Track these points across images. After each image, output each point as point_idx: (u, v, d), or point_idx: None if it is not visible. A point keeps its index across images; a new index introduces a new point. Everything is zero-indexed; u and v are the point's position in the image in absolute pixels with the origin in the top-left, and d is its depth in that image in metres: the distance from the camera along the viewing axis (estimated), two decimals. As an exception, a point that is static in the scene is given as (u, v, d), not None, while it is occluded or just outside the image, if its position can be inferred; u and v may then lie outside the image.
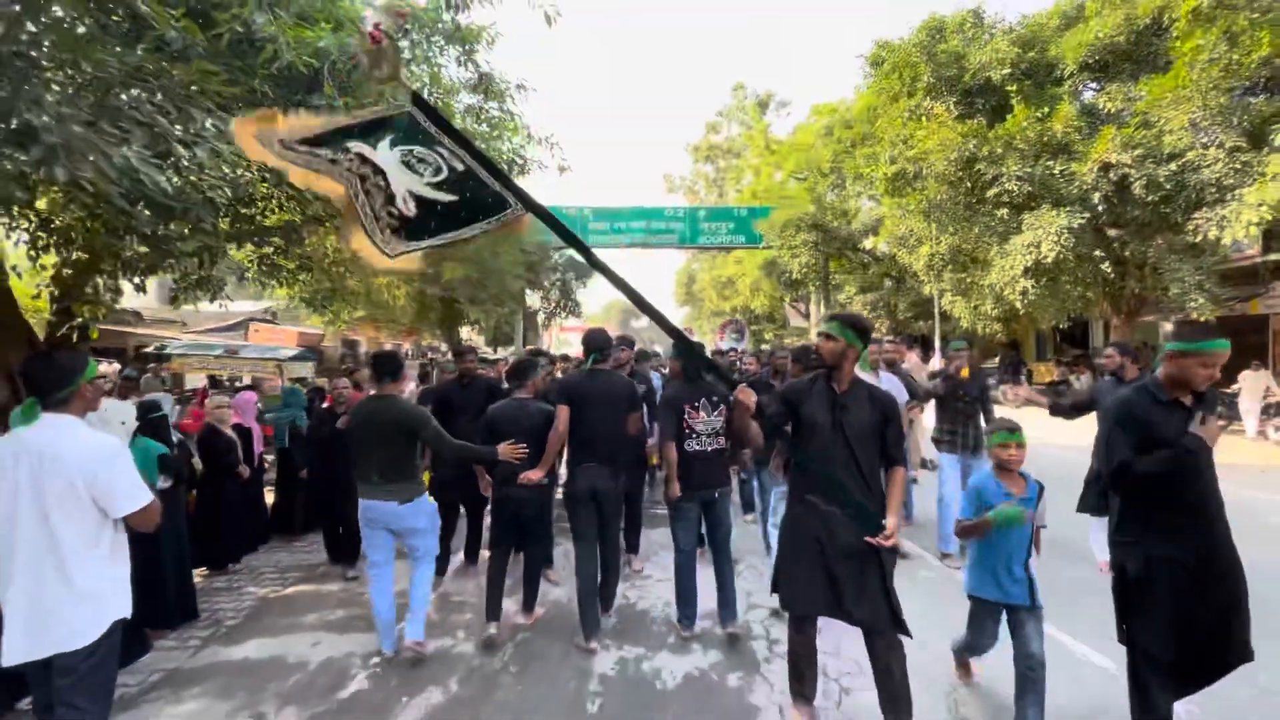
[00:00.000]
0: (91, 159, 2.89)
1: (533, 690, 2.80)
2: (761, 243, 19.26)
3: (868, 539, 2.22)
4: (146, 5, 3.22)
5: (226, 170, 4.34)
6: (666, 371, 5.92)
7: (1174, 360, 2.16)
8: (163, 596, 3.42)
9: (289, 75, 4.19)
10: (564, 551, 4.13)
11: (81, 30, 3.25)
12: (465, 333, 21.17)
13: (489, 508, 3.65)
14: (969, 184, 10.64)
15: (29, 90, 2.84)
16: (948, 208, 10.82)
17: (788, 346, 4.92)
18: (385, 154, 2.09)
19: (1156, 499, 2.15)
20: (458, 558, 4.39)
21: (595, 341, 3.44)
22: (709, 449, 3.26)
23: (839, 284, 18.50)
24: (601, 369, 3.39)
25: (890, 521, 2.24)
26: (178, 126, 3.51)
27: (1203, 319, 10.01)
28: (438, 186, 2.14)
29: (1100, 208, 10.27)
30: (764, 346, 18.98)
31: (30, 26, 3.08)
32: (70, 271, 5.25)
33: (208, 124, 3.63)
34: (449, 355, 11.41)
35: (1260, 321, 14.84)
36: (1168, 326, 16.72)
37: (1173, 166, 8.91)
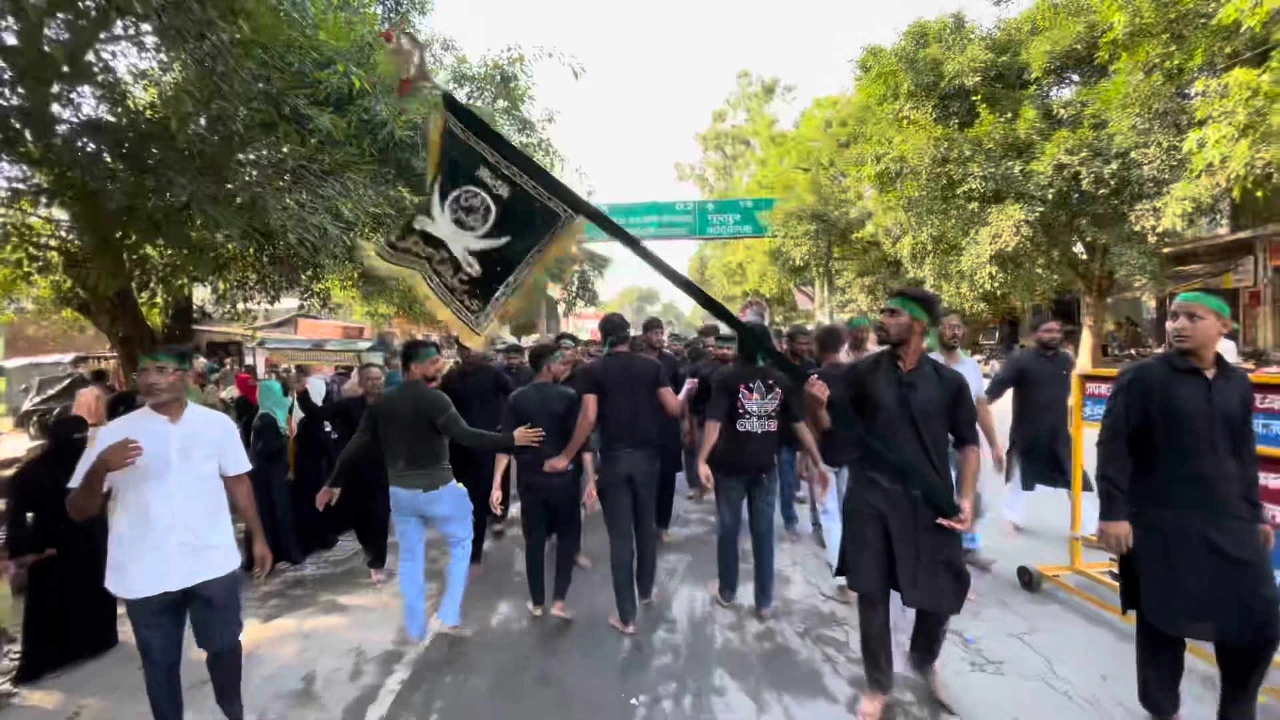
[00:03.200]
0: (303, 227, 4.56)
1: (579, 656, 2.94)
2: (766, 232, 20.62)
3: (940, 520, 2.22)
4: (327, 120, 4.82)
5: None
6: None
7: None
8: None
9: (393, 141, 5.79)
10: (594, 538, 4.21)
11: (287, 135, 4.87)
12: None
13: (517, 495, 3.60)
14: (945, 180, 11.97)
15: (264, 180, 4.50)
16: (924, 202, 12.17)
17: (806, 328, 5.08)
18: (442, 222, 2.27)
19: (1155, 465, 2.13)
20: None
21: (611, 325, 3.43)
22: (759, 430, 3.22)
23: (839, 269, 19.82)
24: (621, 351, 3.34)
25: (964, 504, 2.24)
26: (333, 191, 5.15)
27: (1145, 299, 11.33)
28: (489, 235, 2.28)
29: (1073, 197, 11.51)
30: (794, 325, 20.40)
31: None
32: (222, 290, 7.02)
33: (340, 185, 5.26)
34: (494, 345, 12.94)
35: (1231, 295, 15.94)
36: (1151, 302, 17.89)
37: (1114, 165, 10.18)
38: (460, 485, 3.27)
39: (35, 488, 3.18)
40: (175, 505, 2.17)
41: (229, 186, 4.45)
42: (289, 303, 9.58)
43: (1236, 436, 2.09)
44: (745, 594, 3.54)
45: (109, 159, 4.37)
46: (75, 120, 4.42)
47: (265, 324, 20.19)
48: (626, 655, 3.01)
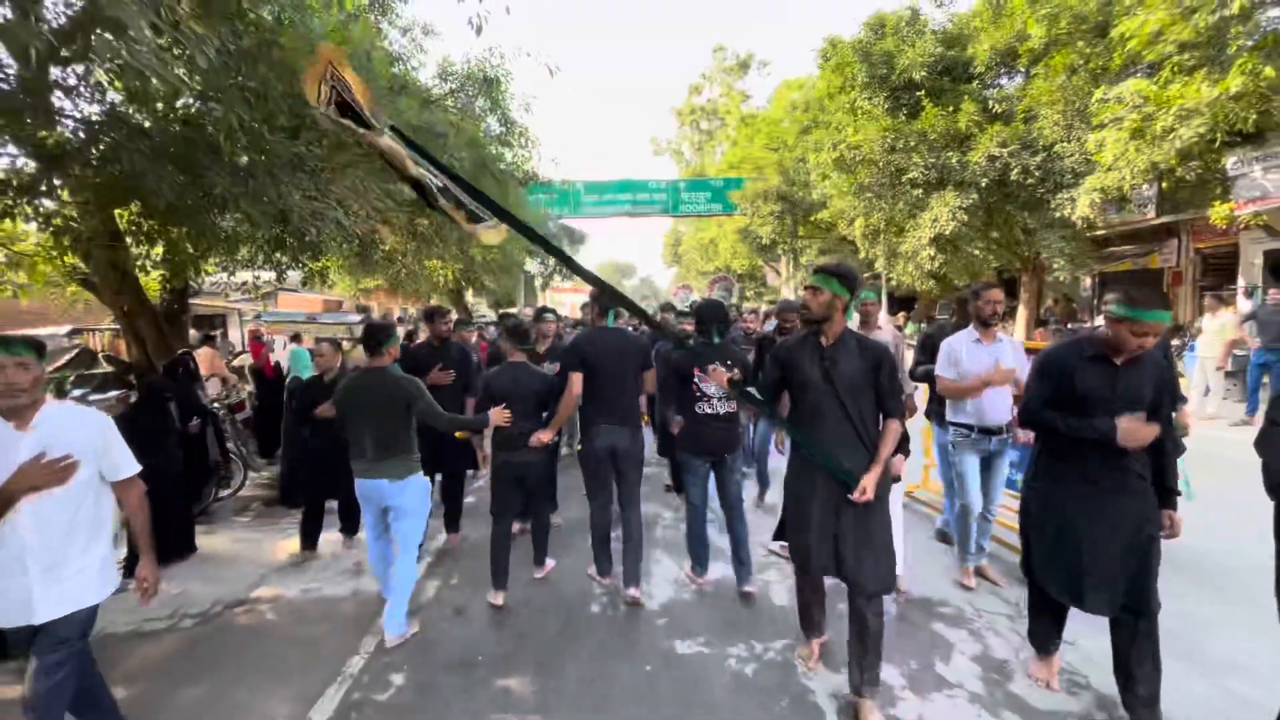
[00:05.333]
0: (320, 220, 5.41)
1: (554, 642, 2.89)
2: (735, 211, 21.57)
3: (850, 496, 2.24)
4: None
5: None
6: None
7: (1111, 324, 2.15)
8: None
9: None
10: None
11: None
12: (469, 297, 23.58)
13: (489, 476, 3.48)
14: (892, 169, 13.01)
15: (285, 185, 5.32)
16: (874, 188, 13.24)
17: (794, 303, 4.86)
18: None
19: (1067, 448, 2.24)
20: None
21: (604, 301, 3.41)
22: (720, 411, 3.24)
23: (803, 248, 20.91)
24: (613, 326, 3.38)
25: (866, 477, 2.23)
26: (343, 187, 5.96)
27: (1063, 278, 12.63)
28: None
29: (1004, 186, 12.66)
30: (763, 306, 21.57)
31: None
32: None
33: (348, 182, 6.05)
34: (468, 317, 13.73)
35: (1157, 274, 17.47)
36: (1087, 280, 19.39)
37: (1038, 158, 11.32)
38: (425, 478, 3.18)
39: (130, 430, 4.09)
40: (26, 528, 1.88)
41: (258, 186, 5.27)
42: (270, 276, 10.26)
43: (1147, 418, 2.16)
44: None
45: (155, 162, 5.14)
46: (102, 116, 5.14)
47: (244, 298, 20.71)
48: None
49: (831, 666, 2.68)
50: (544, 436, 3.23)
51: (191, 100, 5.19)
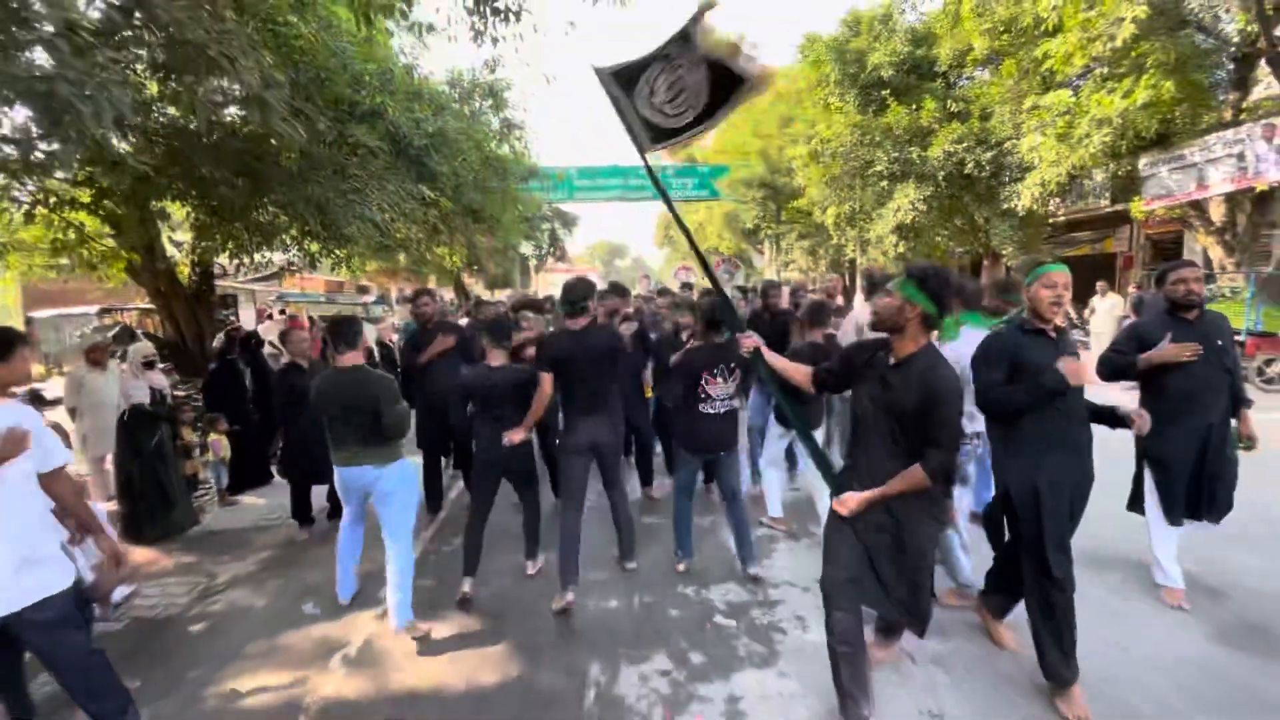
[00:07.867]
0: (358, 219, 6.57)
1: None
2: (720, 196, 22.68)
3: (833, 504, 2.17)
4: (368, 139, 6.76)
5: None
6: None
7: (1027, 292, 2.37)
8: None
9: (412, 148, 7.72)
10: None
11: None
12: (466, 279, 24.64)
13: (472, 469, 3.54)
14: (861, 162, 14.17)
15: (327, 188, 6.45)
16: (844, 179, 14.41)
17: (787, 282, 5.41)
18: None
19: (1028, 425, 2.34)
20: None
21: (572, 293, 3.28)
22: (721, 411, 3.32)
23: (784, 232, 22.08)
24: (580, 324, 3.27)
25: (853, 494, 2.09)
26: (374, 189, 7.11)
27: (1012, 264, 13.90)
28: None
29: (959, 179, 13.83)
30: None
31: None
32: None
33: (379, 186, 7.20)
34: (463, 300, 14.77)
35: (1110, 257, 18.85)
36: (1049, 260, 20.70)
37: (991, 153, 12.50)
38: (412, 461, 3.19)
39: (218, 385, 5.31)
40: (4, 512, 1.90)
41: (304, 188, 6.43)
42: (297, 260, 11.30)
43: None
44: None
45: (221, 168, 6.27)
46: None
47: (258, 277, 21.73)
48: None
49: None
50: (515, 436, 3.25)
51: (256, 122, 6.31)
